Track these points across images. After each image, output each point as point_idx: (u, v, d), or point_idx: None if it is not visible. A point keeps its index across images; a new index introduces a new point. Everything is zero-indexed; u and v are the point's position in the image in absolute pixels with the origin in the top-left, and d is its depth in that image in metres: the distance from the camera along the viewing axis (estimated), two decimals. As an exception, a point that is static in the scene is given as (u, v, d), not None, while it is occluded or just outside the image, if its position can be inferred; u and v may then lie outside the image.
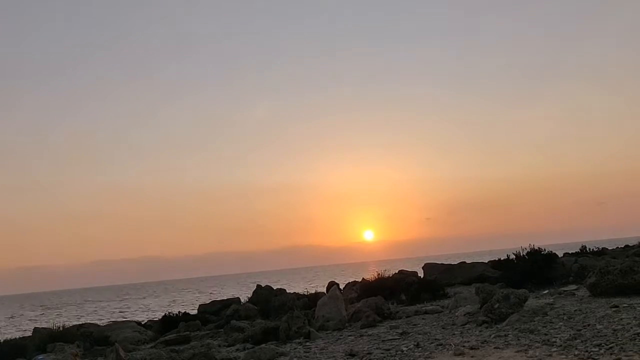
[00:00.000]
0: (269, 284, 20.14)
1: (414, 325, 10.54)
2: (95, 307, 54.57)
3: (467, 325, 9.53)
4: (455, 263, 21.40)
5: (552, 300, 11.18)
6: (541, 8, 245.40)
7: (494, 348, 7.41)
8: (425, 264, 21.09)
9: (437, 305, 12.91)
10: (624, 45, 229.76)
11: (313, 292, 20.00)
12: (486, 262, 21.59)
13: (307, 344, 9.80)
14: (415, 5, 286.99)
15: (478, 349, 7.50)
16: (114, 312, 43.51)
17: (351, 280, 25.62)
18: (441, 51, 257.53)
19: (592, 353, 6.41)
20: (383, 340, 9.08)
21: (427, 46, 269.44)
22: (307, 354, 8.80)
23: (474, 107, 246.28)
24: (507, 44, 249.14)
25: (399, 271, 20.79)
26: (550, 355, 6.63)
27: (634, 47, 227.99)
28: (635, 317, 8.04)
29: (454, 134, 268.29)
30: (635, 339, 6.72)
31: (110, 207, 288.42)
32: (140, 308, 45.83)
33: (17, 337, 18.33)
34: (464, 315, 10.24)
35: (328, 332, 11.11)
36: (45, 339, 13.81)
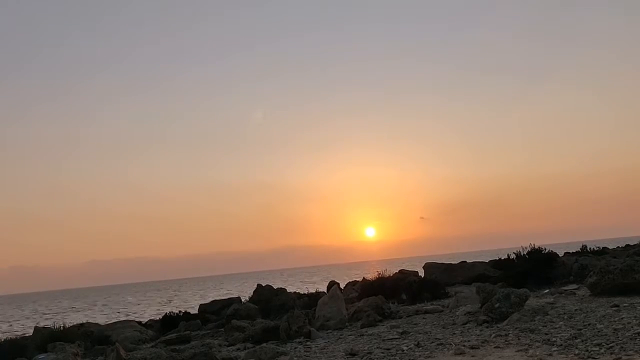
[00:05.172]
0: (269, 284, 20.13)
1: (415, 324, 10.54)
2: (100, 306, 54.67)
3: (467, 325, 9.53)
4: (456, 263, 21.37)
5: (552, 299, 11.18)
6: (535, 9, 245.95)
7: (495, 347, 7.42)
8: (426, 264, 21.05)
9: (438, 304, 12.90)
10: (620, 44, 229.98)
11: (313, 291, 20.00)
12: (487, 261, 21.56)
13: (308, 343, 9.80)
14: (412, 7, 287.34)
15: (479, 348, 7.51)
16: (116, 311, 43.59)
17: (351, 279, 25.63)
18: (437, 53, 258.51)
19: (592, 352, 6.41)
20: (383, 340, 9.08)
21: (424, 48, 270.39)
22: (308, 353, 8.81)
23: (471, 107, 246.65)
24: (504, 43, 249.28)
25: (400, 271, 20.78)
26: (550, 354, 6.63)
27: (630, 47, 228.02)
28: (635, 317, 8.04)
29: (453, 134, 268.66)
30: (636, 339, 6.72)
31: (107, 206, 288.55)
32: (142, 307, 45.92)
33: (18, 336, 18.31)
34: (465, 314, 10.24)
35: (328, 331, 11.11)
36: (46, 338, 13.78)
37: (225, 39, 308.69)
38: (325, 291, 17.06)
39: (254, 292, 19.12)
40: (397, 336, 9.30)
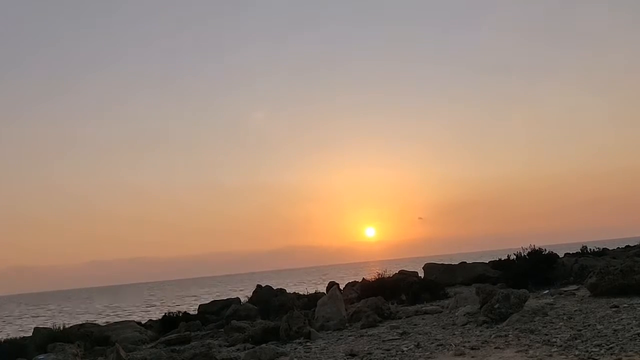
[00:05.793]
0: (269, 284, 20.14)
1: (415, 325, 10.55)
2: (98, 307, 54.69)
3: (467, 326, 9.54)
4: (456, 263, 21.39)
5: (552, 300, 11.18)
6: (536, 8, 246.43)
7: (495, 348, 7.42)
8: (426, 264, 21.06)
9: (438, 305, 12.90)
10: (620, 44, 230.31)
11: (313, 292, 20.00)
12: (486, 262, 21.57)
13: (308, 344, 9.80)
14: (412, 7, 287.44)
15: (478, 349, 7.51)
16: (115, 311, 43.58)
17: (351, 280, 25.63)
18: (435, 53, 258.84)
19: (592, 353, 6.42)
20: (383, 341, 9.09)
21: (422, 49, 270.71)
22: (308, 354, 8.81)
23: (471, 107, 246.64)
24: (504, 43, 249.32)
25: (400, 271, 20.80)
26: (550, 355, 6.63)
27: (630, 47, 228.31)
28: (635, 318, 8.05)
29: (453, 135, 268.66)
30: (636, 339, 6.73)
31: (107, 206, 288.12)
32: (141, 307, 45.93)
33: (18, 336, 18.30)
34: (465, 315, 10.24)
35: (328, 332, 11.11)
36: (46, 338, 13.79)
37: (225, 39, 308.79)
38: (325, 292, 17.07)
39: (254, 292, 19.15)
40: (397, 337, 9.30)
